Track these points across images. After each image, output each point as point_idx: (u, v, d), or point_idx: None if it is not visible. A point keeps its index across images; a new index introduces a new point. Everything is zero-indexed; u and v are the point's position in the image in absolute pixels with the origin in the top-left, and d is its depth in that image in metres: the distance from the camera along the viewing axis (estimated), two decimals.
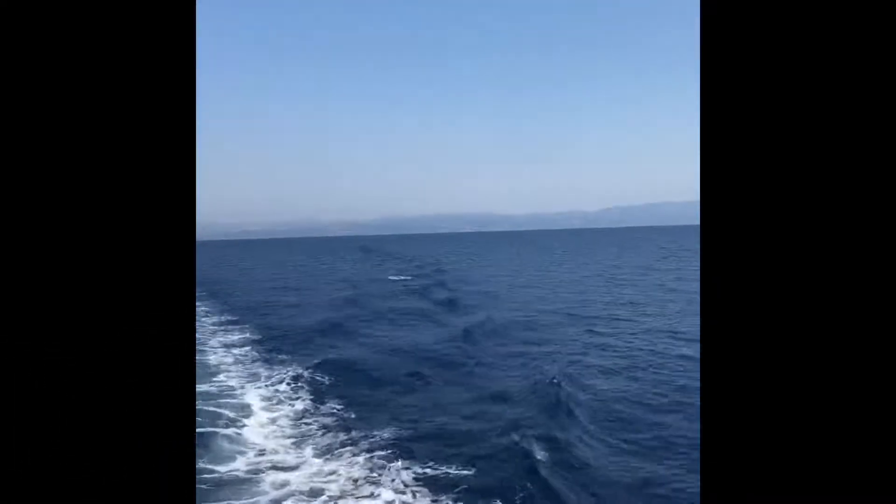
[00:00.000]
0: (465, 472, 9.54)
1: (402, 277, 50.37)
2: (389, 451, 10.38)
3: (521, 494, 8.63)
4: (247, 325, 25.18)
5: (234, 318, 27.36)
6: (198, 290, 36.80)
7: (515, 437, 10.75)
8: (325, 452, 10.54)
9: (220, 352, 20.12)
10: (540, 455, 9.99)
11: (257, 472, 9.75)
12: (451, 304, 30.11)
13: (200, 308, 31.05)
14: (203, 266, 75.82)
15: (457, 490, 8.86)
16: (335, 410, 13.03)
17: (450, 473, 9.46)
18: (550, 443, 10.54)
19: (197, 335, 22.35)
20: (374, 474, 9.49)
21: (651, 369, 16.15)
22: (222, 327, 25.31)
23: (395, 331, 23.64)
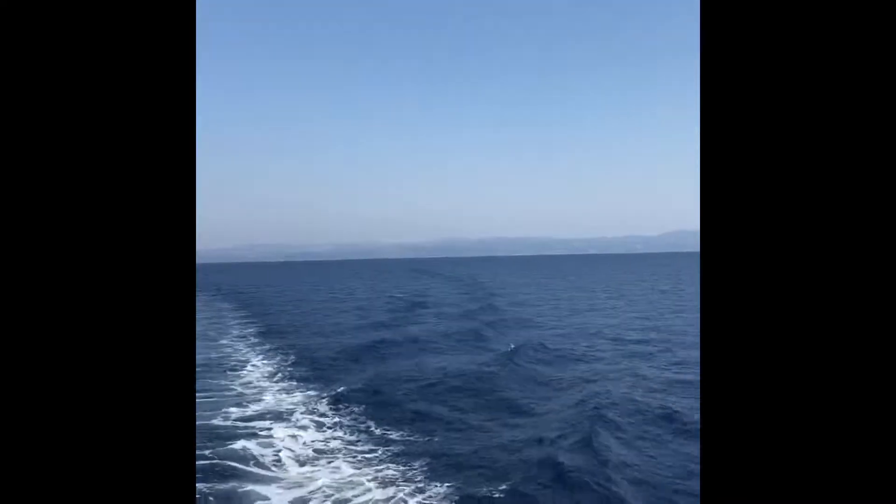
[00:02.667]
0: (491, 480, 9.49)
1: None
2: (416, 466, 10.26)
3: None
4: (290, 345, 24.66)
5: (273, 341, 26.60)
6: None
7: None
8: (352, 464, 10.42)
9: (258, 362, 20.37)
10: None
11: (282, 479, 9.71)
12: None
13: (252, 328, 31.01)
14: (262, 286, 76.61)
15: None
16: (369, 426, 12.81)
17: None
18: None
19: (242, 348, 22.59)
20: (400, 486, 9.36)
21: None
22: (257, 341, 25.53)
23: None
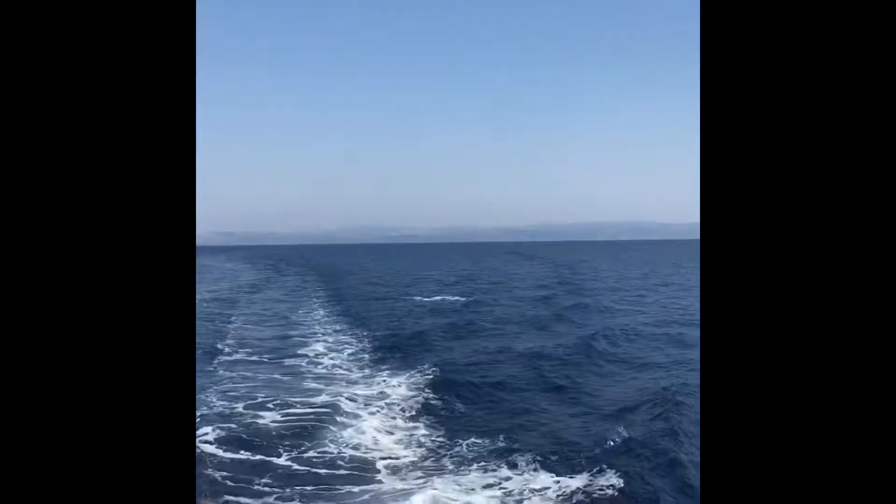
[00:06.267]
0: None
1: None
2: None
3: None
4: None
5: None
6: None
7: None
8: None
9: (333, 345, 20.32)
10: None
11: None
12: None
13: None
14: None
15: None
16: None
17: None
18: None
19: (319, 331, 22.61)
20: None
21: None
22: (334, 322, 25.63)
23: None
